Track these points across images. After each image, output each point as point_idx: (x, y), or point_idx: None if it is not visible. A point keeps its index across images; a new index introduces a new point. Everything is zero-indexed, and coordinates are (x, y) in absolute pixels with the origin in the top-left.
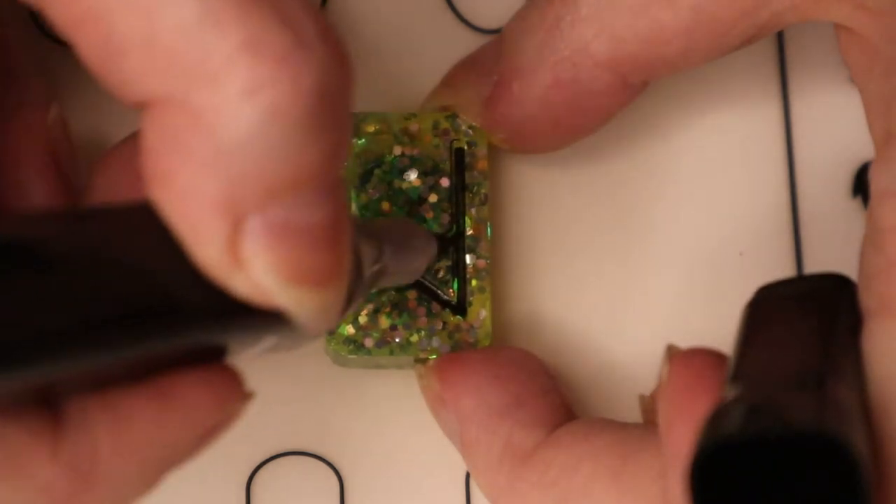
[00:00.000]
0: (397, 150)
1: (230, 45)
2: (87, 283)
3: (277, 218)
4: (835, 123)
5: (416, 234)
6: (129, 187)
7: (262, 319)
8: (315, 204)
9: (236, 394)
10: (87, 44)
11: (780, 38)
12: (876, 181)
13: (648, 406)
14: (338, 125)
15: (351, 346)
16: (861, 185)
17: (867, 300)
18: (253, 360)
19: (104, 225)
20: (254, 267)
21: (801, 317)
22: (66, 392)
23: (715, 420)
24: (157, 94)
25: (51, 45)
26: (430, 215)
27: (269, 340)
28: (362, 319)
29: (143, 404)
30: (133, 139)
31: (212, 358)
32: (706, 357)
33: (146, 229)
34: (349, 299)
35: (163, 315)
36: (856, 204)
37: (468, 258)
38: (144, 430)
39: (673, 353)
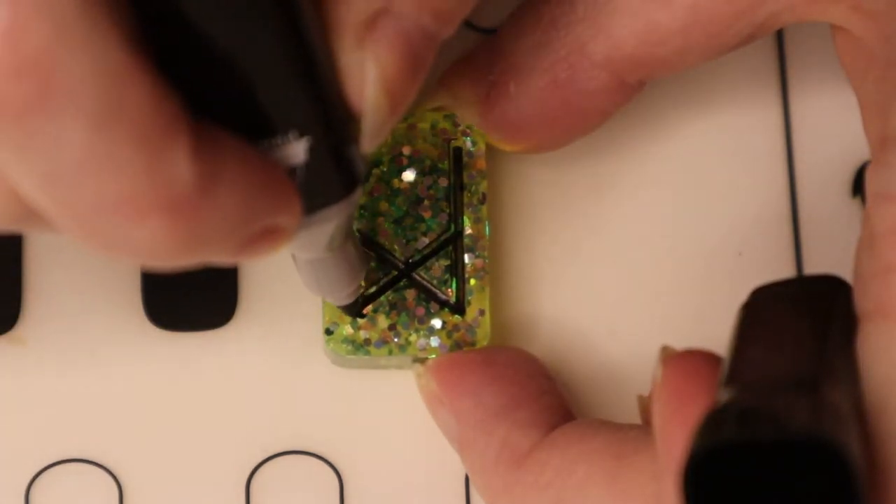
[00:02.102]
0: (396, 150)
1: None
2: None
3: (409, 26)
4: (835, 123)
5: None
6: None
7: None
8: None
9: (294, 223)
10: None
11: (780, 38)
12: (871, 184)
13: (647, 407)
14: None
15: (350, 346)
16: (861, 185)
17: (862, 303)
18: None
19: None
20: (374, 53)
21: (796, 319)
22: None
23: (709, 423)
24: None
25: None
26: (428, 214)
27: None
28: (361, 319)
29: (253, 163)
30: None
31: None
32: (700, 359)
33: None
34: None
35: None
36: (856, 204)
37: (467, 258)
38: (250, 181)
39: (667, 355)
